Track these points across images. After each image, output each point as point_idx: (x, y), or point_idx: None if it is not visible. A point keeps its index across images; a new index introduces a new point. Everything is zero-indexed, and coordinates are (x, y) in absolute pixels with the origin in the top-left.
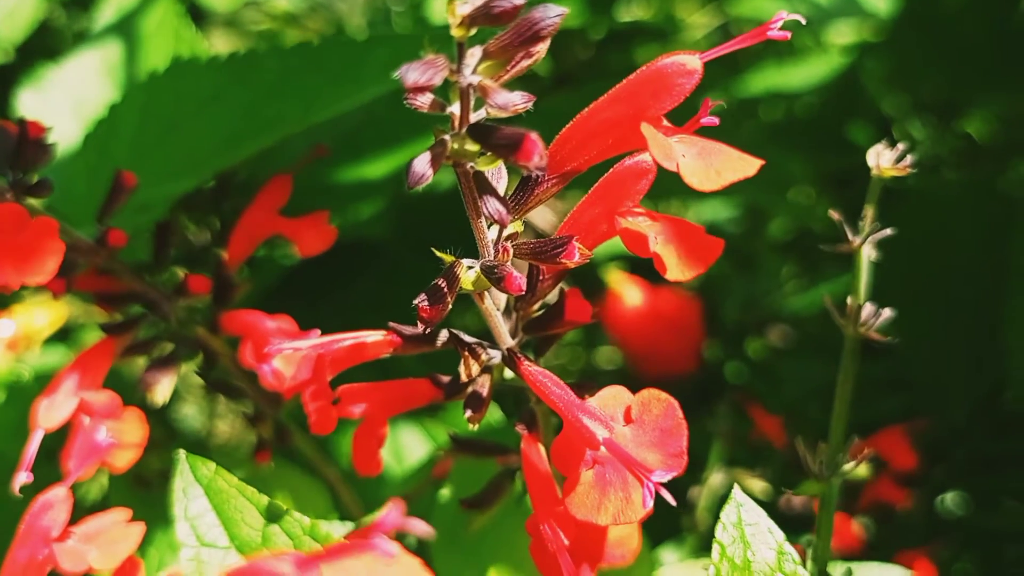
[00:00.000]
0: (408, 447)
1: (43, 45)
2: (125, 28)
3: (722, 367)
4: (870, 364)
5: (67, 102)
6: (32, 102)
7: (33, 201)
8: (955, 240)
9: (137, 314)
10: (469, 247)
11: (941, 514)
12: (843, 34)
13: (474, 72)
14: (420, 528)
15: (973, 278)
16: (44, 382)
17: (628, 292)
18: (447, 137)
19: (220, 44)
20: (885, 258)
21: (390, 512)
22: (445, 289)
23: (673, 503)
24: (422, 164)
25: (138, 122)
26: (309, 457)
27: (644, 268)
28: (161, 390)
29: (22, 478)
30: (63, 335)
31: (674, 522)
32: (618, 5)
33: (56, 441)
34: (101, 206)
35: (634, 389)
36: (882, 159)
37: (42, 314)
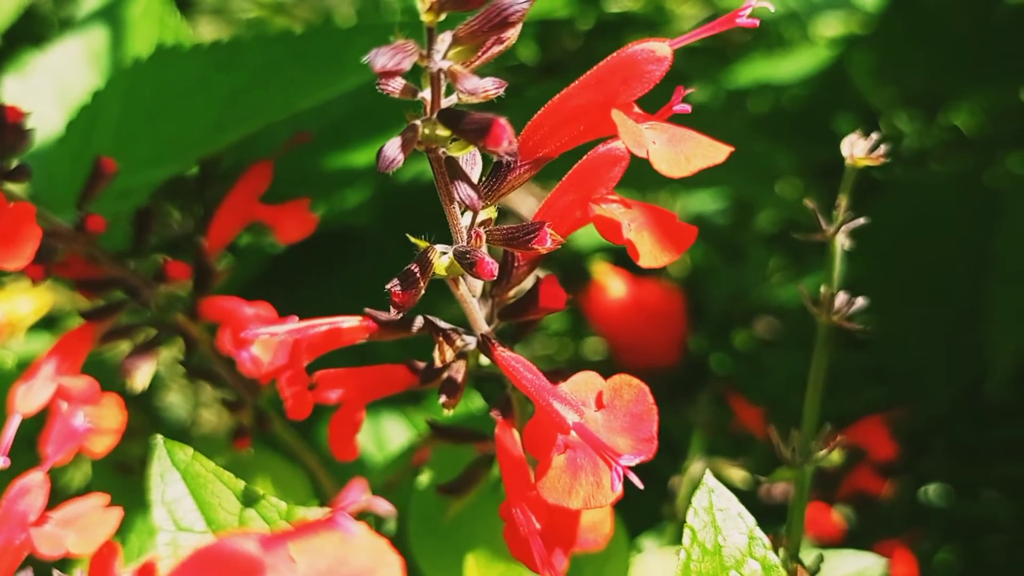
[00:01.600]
0: (389, 434)
1: (29, 31)
2: (110, 14)
3: (707, 358)
4: (852, 354)
5: (51, 88)
6: (16, 88)
7: (13, 187)
8: (939, 232)
9: (117, 300)
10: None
11: (923, 504)
12: (831, 27)
13: (444, 57)
14: (383, 507)
15: (956, 270)
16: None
17: (612, 283)
18: (418, 122)
19: (207, 32)
20: (869, 249)
21: (352, 491)
22: (418, 274)
23: (640, 486)
24: (392, 148)
25: (121, 109)
26: (289, 444)
27: (629, 260)
28: (141, 376)
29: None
30: (48, 323)
31: (655, 511)
32: None
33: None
34: (81, 192)
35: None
36: (856, 149)
37: (26, 301)
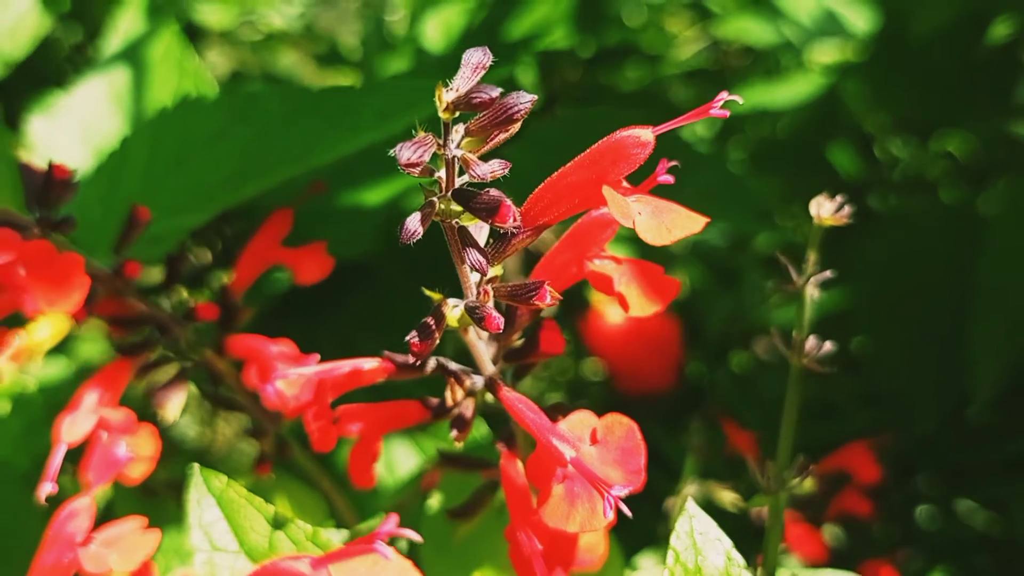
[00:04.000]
0: (399, 459)
1: (42, 60)
2: (131, 56)
3: (703, 381)
4: (843, 379)
5: (76, 129)
6: (43, 128)
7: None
8: (927, 258)
9: (150, 336)
10: (455, 275)
11: (914, 524)
12: (826, 54)
13: (458, 146)
14: (411, 535)
15: (943, 295)
16: (47, 393)
17: (610, 311)
18: (435, 199)
19: (216, 59)
20: (860, 275)
21: (387, 522)
22: (433, 326)
23: (630, 515)
24: (414, 222)
25: (148, 155)
26: (306, 469)
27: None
28: (172, 408)
29: (47, 488)
30: (59, 346)
31: (652, 530)
32: (607, 25)
33: None
34: (118, 238)
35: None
36: (822, 209)
37: (45, 328)
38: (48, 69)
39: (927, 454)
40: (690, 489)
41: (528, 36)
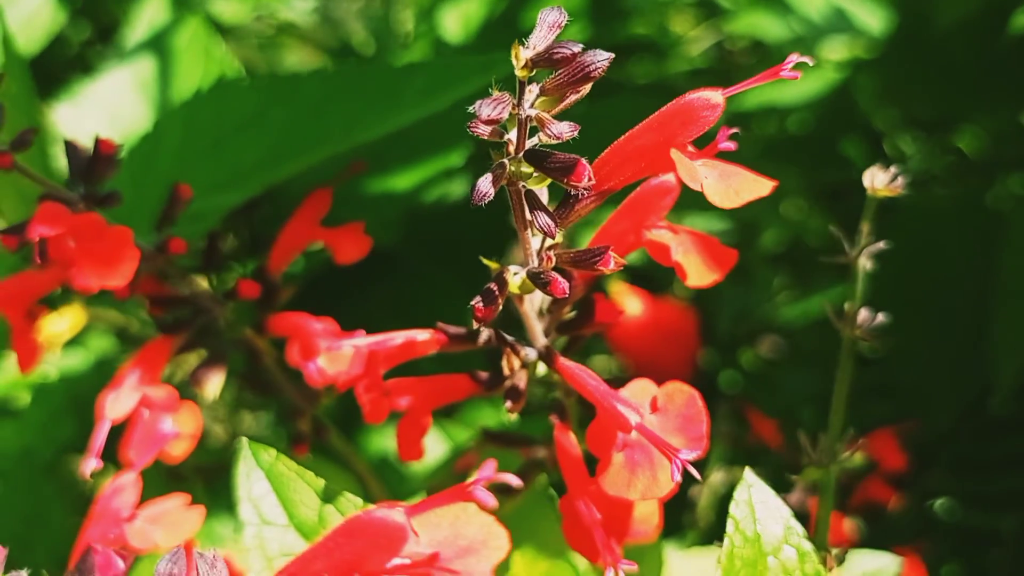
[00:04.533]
0: (428, 446)
1: (51, 57)
2: (157, 44)
3: (716, 375)
4: (861, 371)
5: (103, 116)
6: (69, 114)
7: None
8: (944, 253)
9: (190, 315)
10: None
11: (930, 517)
12: (836, 50)
13: (532, 106)
14: (512, 479)
15: (961, 289)
16: (68, 384)
17: (630, 303)
18: (506, 160)
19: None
20: (877, 269)
21: (485, 468)
22: (496, 292)
23: (699, 477)
24: (486, 184)
25: (181, 137)
26: (341, 451)
27: (644, 280)
28: (211, 386)
29: (92, 464)
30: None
31: (676, 520)
32: (619, 21)
33: None
34: (160, 215)
35: None
36: (876, 180)
37: (63, 319)
38: (57, 67)
39: (945, 447)
40: (716, 476)
41: None
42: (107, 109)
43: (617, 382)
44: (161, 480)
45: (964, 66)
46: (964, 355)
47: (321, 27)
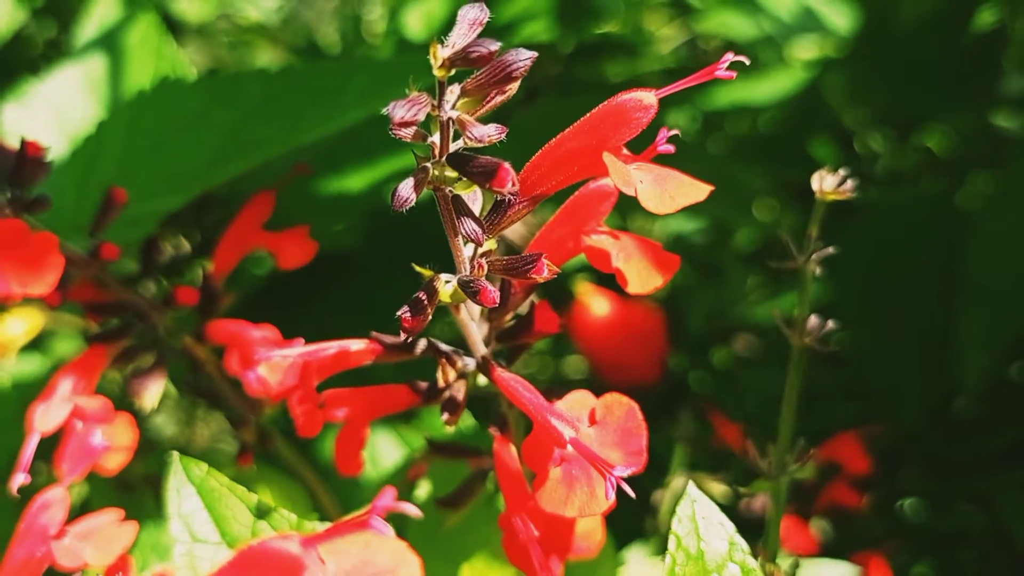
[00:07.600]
0: (383, 452)
1: (14, 55)
2: (108, 43)
3: (686, 376)
4: (828, 372)
5: (51, 116)
6: (16, 115)
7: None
8: (911, 252)
9: (126, 323)
10: (439, 258)
11: (900, 518)
12: (806, 49)
13: (453, 107)
14: (410, 509)
15: (928, 289)
16: (21, 390)
17: (595, 303)
18: (428, 164)
19: (193, 57)
20: (844, 269)
21: (383, 496)
22: (425, 301)
23: (633, 496)
24: (406, 189)
25: (125, 139)
26: (289, 460)
27: (611, 280)
28: (149, 396)
29: (20, 479)
30: (34, 343)
31: (638, 525)
32: (587, 20)
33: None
34: (94, 220)
35: (600, 396)
36: (824, 183)
37: (18, 323)
38: (21, 64)
39: (912, 447)
40: (679, 481)
41: (511, 24)
42: (55, 109)
43: (554, 393)
44: (110, 491)
45: (929, 65)
46: (931, 356)
47: (288, 26)
